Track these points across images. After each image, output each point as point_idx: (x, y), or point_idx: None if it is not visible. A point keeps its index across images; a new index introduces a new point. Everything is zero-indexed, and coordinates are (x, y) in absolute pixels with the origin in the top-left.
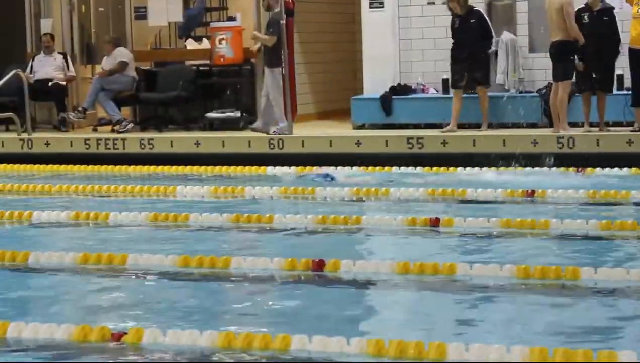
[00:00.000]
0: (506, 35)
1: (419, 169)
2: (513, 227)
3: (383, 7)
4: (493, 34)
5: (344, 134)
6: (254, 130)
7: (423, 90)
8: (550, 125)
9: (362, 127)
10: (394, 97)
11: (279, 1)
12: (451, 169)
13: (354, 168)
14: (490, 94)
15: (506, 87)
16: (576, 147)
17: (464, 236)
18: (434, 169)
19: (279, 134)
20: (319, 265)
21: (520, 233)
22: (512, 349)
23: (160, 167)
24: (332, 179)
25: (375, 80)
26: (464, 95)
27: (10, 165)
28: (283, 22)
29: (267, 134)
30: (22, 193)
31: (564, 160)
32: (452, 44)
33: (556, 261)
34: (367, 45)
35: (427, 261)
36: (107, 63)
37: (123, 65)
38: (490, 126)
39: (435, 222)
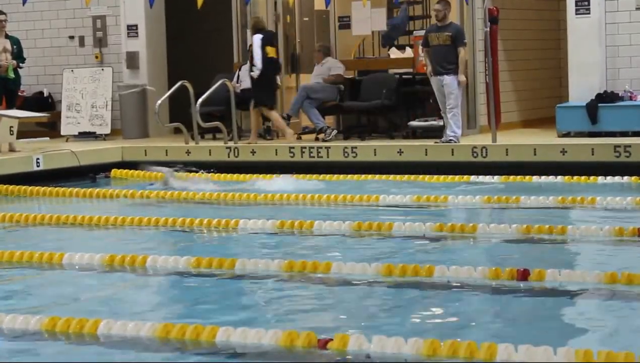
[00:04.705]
0: None
1: (626, 178)
2: None
3: (589, 13)
4: None
5: (548, 142)
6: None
7: (631, 98)
8: None
9: (567, 135)
10: (600, 104)
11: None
12: None
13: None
14: None
15: None
16: None
17: None
18: None
19: (450, 141)
20: (524, 274)
21: None
22: None
23: (363, 176)
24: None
25: (581, 88)
26: None
27: (217, 174)
28: (487, 29)
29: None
30: (229, 201)
31: None
32: None
33: None
34: (572, 52)
35: (635, 271)
36: (318, 71)
37: (339, 77)
38: None
39: None
